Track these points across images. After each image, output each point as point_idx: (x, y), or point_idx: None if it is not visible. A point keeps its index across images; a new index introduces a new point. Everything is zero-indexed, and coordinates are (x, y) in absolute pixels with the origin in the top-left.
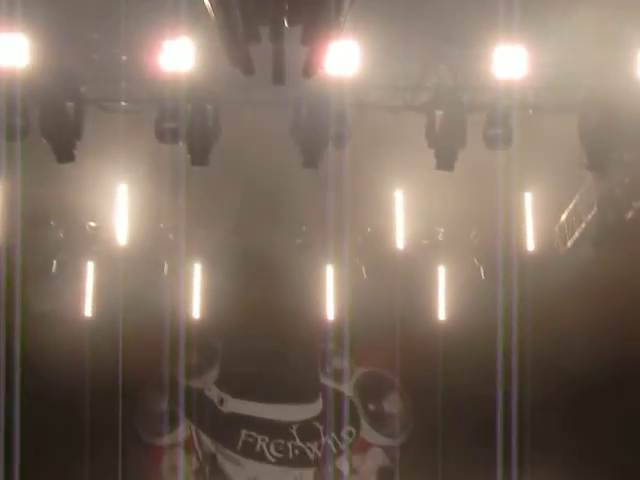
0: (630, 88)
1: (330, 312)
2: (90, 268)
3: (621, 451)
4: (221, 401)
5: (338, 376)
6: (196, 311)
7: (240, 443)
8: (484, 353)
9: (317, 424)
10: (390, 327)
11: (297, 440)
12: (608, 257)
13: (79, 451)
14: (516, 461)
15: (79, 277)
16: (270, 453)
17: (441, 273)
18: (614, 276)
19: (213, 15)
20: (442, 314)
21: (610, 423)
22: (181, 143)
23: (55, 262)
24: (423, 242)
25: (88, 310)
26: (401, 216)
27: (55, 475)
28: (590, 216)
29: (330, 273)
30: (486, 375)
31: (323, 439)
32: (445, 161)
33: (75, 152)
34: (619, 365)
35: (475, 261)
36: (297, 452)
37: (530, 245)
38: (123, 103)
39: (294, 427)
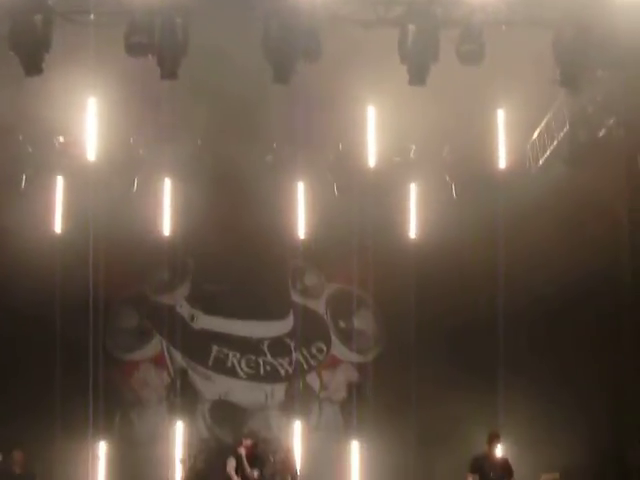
0: (605, 4)
1: (301, 229)
2: (59, 183)
3: (587, 371)
4: (192, 317)
5: (309, 293)
6: (166, 227)
7: (211, 359)
8: (456, 271)
9: (288, 340)
10: (361, 244)
11: (268, 356)
12: (580, 175)
13: (49, 367)
14: (486, 377)
15: (48, 192)
16: (241, 369)
17: (412, 190)
18: (585, 194)
19: None
20: (413, 232)
21: (577, 342)
22: (151, 57)
23: (24, 177)
24: (395, 159)
25: (58, 226)
26: (373, 133)
27: (25, 389)
28: (562, 134)
29: (301, 190)
30: (457, 293)
31: (294, 355)
32: (417, 76)
33: (43, 65)
34: (589, 281)
35: (447, 178)
36: (268, 368)
37: (502, 163)
38: (92, 16)
39: (265, 343)
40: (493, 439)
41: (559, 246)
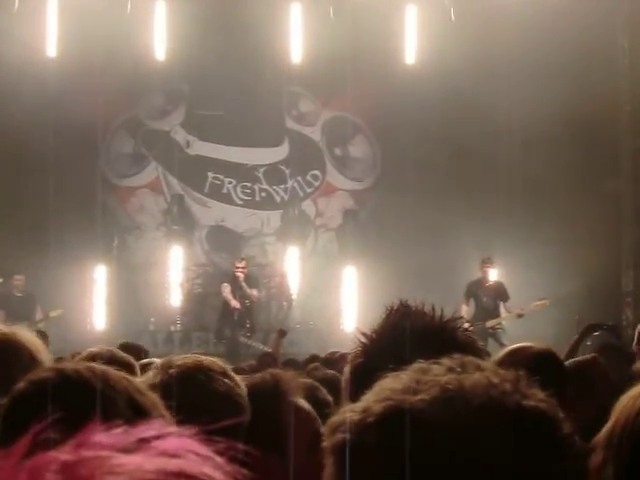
0: None
1: (296, 54)
2: (53, 5)
3: (583, 199)
4: (187, 143)
5: (304, 120)
6: (161, 52)
7: (207, 185)
8: (454, 97)
9: (283, 167)
10: (357, 70)
11: (264, 183)
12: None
13: (46, 193)
14: (484, 204)
15: (41, 14)
16: (237, 195)
17: (409, 13)
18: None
19: None
20: (411, 57)
21: (575, 174)
22: None
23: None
24: None
25: (51, 50)
26: None
27: (22, 215)
28: None
29: (296, 13)
30: (456, 120)
31: (289, 182)
32: None
33: None
34: (589, 104)
35: (445, 1)
36: (264, 195)
37: None
38: None
39: (260, 170)
40: (485, 264)
41: (560, 75)
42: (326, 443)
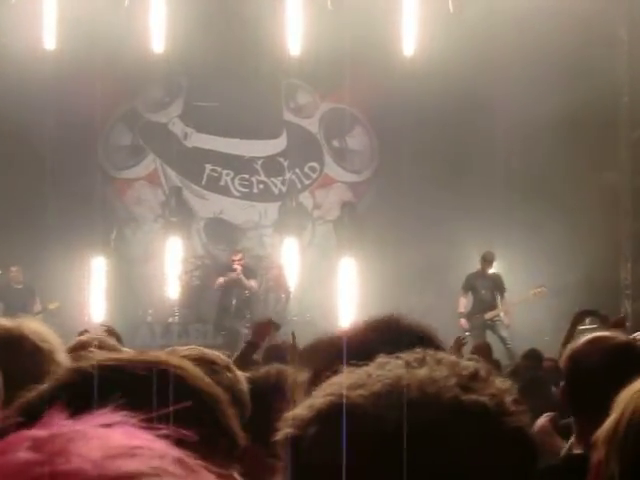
0: None
1: (295, 46)
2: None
3: (583, 191)
4: (185, 135)
5: (302, 112)
6: (159, 44)
7: (205, 177)
8: (454, 89)
9: (281, 159)
10: (356, 62)
11: (261, 175)
12: None
13: (44, 185)
14: (483, 198)
15: (39, 7)
16: (235, 187)
17: (408, 5)
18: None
19: None
20: (409, 48)
21: (576, 163)
22: None
23: None
24: None
25: (49, 42)
26: None
27: (20, 207)
28: None
29: (295, 5)
30: (455, 112)
31: (287, 174)
32: None
33: None
34: (588, 95)
35: None
36: (261, 187)
37: None
38: None
39: (258, 162)
40: (485, 259)
41: (559, 66)
42: (277, 437)
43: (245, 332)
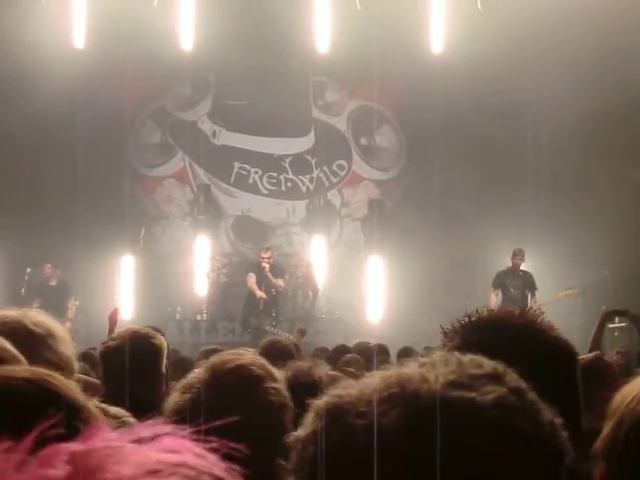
0: None
1: (323, 44)
2: None
3: (617, 189)
4: (214, 133)
5: (330, 110)
6: (188, 43)
7: (233, 175)
8: (481, 86)
9: (309, 157)
10: (384, 59)
11: (289, 173)
12: None
13: (73, 183)
14: (513, 194)
15: (69, 5)
16: (263, 185)
17: (437, 1)
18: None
19: None
20: (437, 46)
21: (609, 160)
22: None
23: None
24: None
25: (80, 40)
26: None
27: (50, 205)
28: None
29: (323, 2)
30: (483, 109)
31: (315, 172)
32: None
33: None
34: (623, 94)
35: None
36: (289, 184)
37: None
38: None
39: (287, 160)
40: (516, 256)
41: (589, 62)
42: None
43: (271, 330)
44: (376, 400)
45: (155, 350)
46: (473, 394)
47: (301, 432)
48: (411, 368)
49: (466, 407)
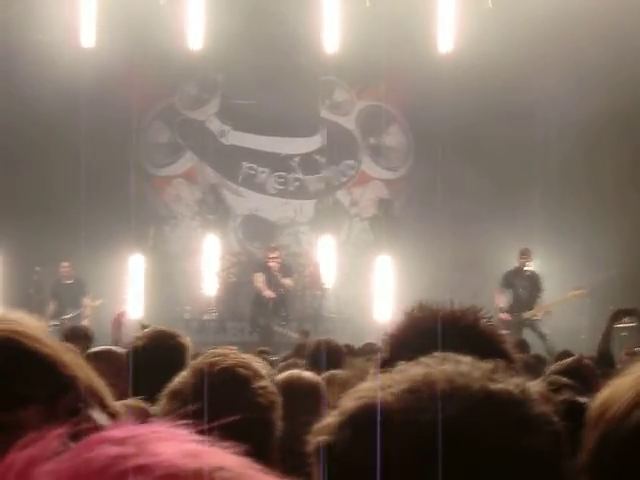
0: None
1: (331, 44)
2: None
3: (623, 188)
4: (222, 133)
5: (339, 109)
6: (197, 42)
7: (241, 175)
8: (491, 86)
9: (318, 157)
10: (393, 59)
11: (298, 172)
12: None
13: (82, 183)
14: (519, 195)
15: (77, 4)
16: (271, 185)
17: (446, 1)
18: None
19: None
20: (446, 45)
21: (615, 160)
22: None
23: None
24: None
25: (88, 40)
26: None
27: (58, 204)
28: None
29: (332, 2)
30: (492, 109)
31: (323, 172)
32: None
33: None
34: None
35: None
36: (298, 184)
37: None
38: None
39: (295, 159)
40: (523, 255)
41: (600, 62)
42: (309, 448)
43: (279, 330)
44: (434, 395)
45: (182, 349)
46: (510, 388)
47: (330, 437)
48: (423, 368)
49: (512, 400)
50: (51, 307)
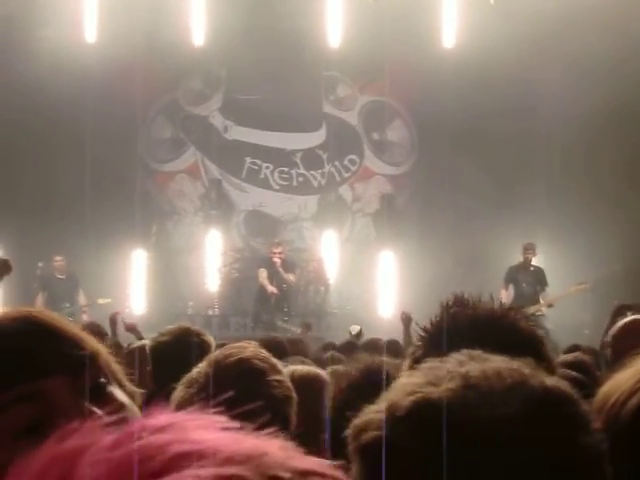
0: None
1: (334, 39)
2: None
3: (624, 184)
4: (225, 128)
5: (342, 104)
6: (200, 37)
7: (245, 170)
8: (494, 82)
9: (320, 152)
10: (396, 54)
11: (301, 168)
12: None
13: (85, 178)
14: (523, 190)
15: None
16: (274, 180)
17: None
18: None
19: None
20: (449, 40)
21: (617, 158)
22: None
23: None
24: None
25: (91, 35)
26: None
27: (62, 199)
28: None
29: None
30: (495, 104)
31: (326, 167)
32: None
33: None
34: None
35: None
36: (301, 179)
37: None
38: None
39: (298, 155)
40: (527, 250)
41: (604, 58)
42: (352, 445)
43: (282, 325)
44: (495, 391)
45: (205, 347)
46: (561, 385)
47: (382, 433)
48: (457, 365)
49: (566, 397)
50: (39, 299)
